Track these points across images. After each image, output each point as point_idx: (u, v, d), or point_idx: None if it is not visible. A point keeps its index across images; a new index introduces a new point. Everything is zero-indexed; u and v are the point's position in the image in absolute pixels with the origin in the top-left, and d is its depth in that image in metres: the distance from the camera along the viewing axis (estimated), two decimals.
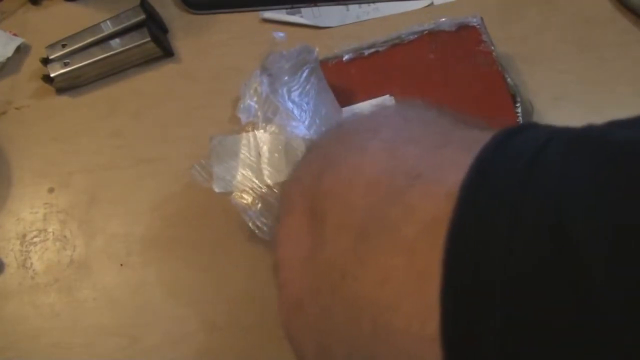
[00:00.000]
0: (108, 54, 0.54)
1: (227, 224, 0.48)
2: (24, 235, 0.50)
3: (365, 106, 0.48)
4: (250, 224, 0.42)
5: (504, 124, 0.46)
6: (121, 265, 0.48)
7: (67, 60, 0.54)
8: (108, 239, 0.50)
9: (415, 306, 0.19)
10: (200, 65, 0.56)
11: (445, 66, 0.50)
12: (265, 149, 0.43)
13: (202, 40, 0.58)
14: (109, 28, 0.56)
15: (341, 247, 0.23)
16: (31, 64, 0.57)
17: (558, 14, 0.56)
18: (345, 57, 0.51)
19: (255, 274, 0.47)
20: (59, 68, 0.54)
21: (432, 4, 0.58)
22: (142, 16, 0.56)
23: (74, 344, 0.46)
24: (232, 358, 0.45)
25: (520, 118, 0.47)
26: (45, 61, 0.55)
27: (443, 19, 0.51)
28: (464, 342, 0.17)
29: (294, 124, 0.43)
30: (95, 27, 0.56)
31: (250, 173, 0.43)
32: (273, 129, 0.43)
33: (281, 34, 0.48)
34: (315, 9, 0.58)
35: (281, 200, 0.34)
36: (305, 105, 0.45)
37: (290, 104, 0.44)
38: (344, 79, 0.50)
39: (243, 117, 0.45)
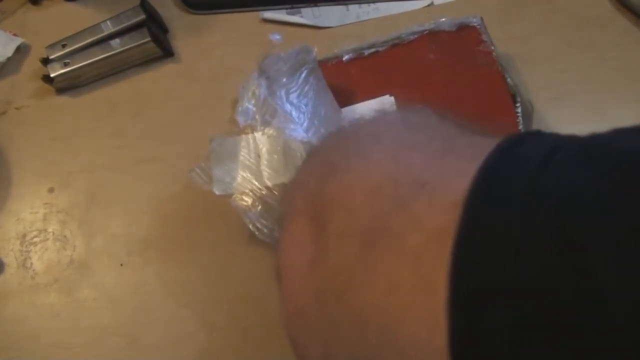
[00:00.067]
0: (108, 54, 0.54)
1: (227, 225, 0.48)
2: (24, 235, 0.50)
3: (365, 106, 0.48)
4: (250, 226, 0.42)
5: (504, 124, 0.46)
6: (121, 265, 0.48)
7: (67, 60, 0.54)
8: (108, 239, 0.50)
9: (423, 316, 0.19)
10: (200, 65, 0.56)
11: (445, 66, 0.50)
12: (264, 150, 0.43)
13: (202, 40, 0.58)
14: (109, 28, 0.56)
15: (346, 255, 0.23)
16: (31, 64, 0.57)
17: (558, 14, 0.56)
18: (345, 57, 0.51)
19: (255, 274, 0.47)
20: (59, 68, 0.54)
21: (432, 4, 0.58)
22: (142, 16, 0.56)
23: (74, 344, 0.46)
24: (232, 358, 0.45)
25: (520, 118, 0.47)
26: (45, 61, 0.55)
27: (443, 19, 0.51)
28: (472, 352, 0.17)
29: (292, 126, 0.43)
30: (95, 27, 0.56)
31: (249, 175, 0.43)
32: (271, 131, 0.43)
33: (277, 37, 0.48)
34: (315, 9, 0.58)
35: (284, 205, 0.34)
36: (304, 106, 0.45)
37: (288, 106, 0.44)
38: (344, 79, 0.50)
39: (241, 120, 0.45)
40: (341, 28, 0.57)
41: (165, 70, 0.57)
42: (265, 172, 0.42)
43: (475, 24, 0.50)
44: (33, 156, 0.53)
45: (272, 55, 0.46)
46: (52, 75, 0.54)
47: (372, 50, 0.51)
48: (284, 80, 0.45)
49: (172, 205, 0.50)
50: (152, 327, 0.46)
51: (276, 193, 0.42)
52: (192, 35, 0.58)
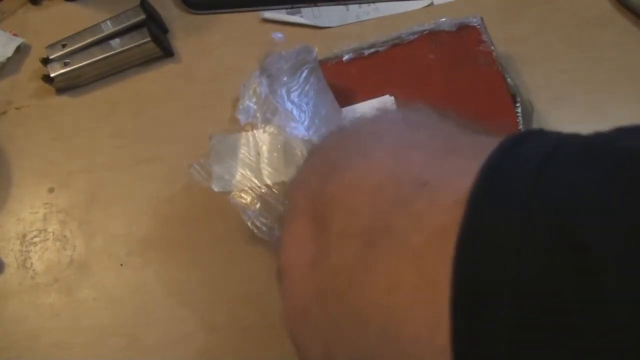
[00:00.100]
0: (108, 54, 0.54)
1: (226, 224, 0.48)
2: (24, 235, 0.50)
3: (365, 106, 0.48)
4: (249, 224, 0.42)
5: (504, 124, 0.46)
6: (121, 265, 0.48)
7: (67, 60, 0.54)
8: (108, 239, 0.50)
9: (424, 315, 0.19)
10: (200, 65, 0.56)
11: (445, 66, 0.50)
12: (264, 148, 0.43)
13: (202, 40, 0.58)
14: (109, 28, 0.56)
15: (346, 254, 0.23)
16: (31, 64, 0.57)
17: (558, 14, 0.56)
18: (345, 57, 0.51)
19: (255, 273, 0.47)
20: (59, 68, 0.54)
21: (432, 4, 0.58)
22: (142, 16, 0.56)
23: (74, 344, 0.46)
24: (232, 358, 0.45)
25: (520, 118, 0.47)
26: (45, 61, 0.55)
27: (443, 19, 0.51)
28: (473, 352, 0.17)
29: (293, 124, 0.43)
30: (95, 27, 0.56)
31: (249, 172, 0.43)
32: (272, 129, 0.43)
33: (279, 35, 0.48)
34: (315, 9, 0.58)
35: (285, 203, 0.34)
36: (304, 105, 0.45)
37: (289, 105, 0.44)
38: (344, 79, 0.50)
39: (242, 118, 0.45)
40: (341, 28, 0.57)
41: (165, 70, 0.57)
42: (265, 170, 0.42)
43: (475, 24, 0.50)
44: (33, 156, 0.53)
45: (274, 54, 0.46)
46: (52, 75, 0.54)
47: (372, 50, 0.51)
48: (285, 79, 0.45)
49: (172, 205, 0.50)
50: (152, 327, 0.46)
51: (276, 191, 0.42)
52: (192, 35, 0.58)
